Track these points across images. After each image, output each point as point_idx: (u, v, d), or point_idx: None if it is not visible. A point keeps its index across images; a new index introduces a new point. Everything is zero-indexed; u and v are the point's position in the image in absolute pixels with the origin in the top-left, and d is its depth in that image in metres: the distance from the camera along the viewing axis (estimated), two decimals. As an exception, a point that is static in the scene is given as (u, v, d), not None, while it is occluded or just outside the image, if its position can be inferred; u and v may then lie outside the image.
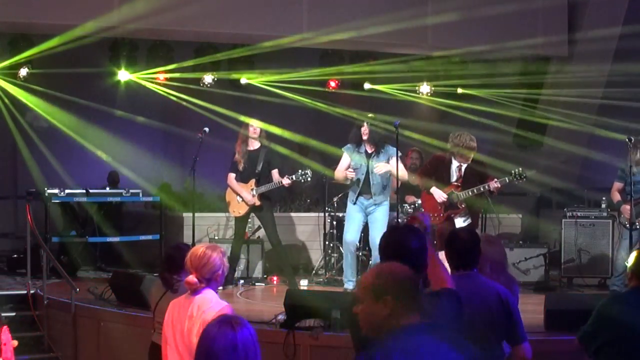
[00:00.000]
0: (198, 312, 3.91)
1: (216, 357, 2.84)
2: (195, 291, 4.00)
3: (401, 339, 2.75)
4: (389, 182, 8.29)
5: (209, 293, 4.00)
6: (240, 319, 2.95)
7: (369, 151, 8.19)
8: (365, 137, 8.15)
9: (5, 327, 3.24)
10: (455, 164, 7.82)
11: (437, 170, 7.91)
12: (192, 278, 3.99)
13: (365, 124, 8.14)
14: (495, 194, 7.90)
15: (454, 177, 7.82)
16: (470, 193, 7.70)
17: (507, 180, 7.70)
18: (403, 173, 8.14)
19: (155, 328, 4.95)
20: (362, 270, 8.69)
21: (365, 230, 8.41)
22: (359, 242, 8.62)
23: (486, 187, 7.66)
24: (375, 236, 8.16)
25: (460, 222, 7.78)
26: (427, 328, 2.80)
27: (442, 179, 7.84)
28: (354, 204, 8.23)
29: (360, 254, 8.90)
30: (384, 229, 8.17)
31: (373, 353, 2.74)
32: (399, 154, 8.09)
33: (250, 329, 2.92)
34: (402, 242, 3.51)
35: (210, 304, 3.92)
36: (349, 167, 8.27)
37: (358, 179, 8.17)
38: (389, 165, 8.05)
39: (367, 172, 8.15)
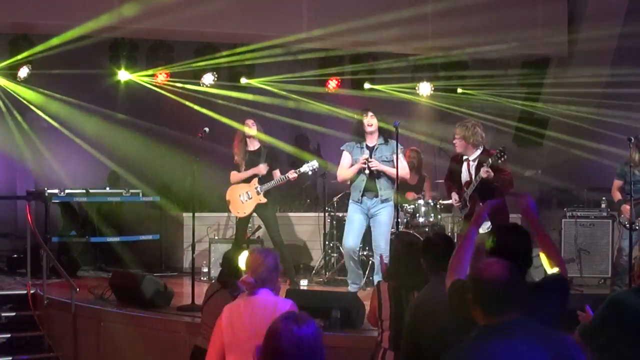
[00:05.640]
0: (261, 312, 3.89)
1: (281, 354, 2.79)
2: (252, 292, 4.02)
3: (482, 341, 2.90)
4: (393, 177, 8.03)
5: (268, 293, 4.01)
6: (305, 316, 2.91)
7: (371, 145, 7.82)
8: (370, 130, 7.78)
9: None
10: (465, 163, 7.27)
11: (452, 174, 7.45)
12: (247, 278, 4.01)
13: (368, 115, 7.78)
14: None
15: (465, 175, 7.27)
16: (473, 186, 7.07)
17: (490, 161, 6.87)
18: (404, 172, 7.82)
19: (202, 331, 5.01)
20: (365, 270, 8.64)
21: (366, 230, 8.05)
22: (360, 243, 8.53)
23: (480, 176, 6.93)
24: (379, 239, 7.81)
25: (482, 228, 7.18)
26: (513, 328, 2.90)
27: (456, 182, 7.37)
28: (359, 203, 7.85)
29: (361, 254, 8.84)
30: (388, 232, 7.88)
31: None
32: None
33: (316, 326, 2.88)
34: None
35: (272, 303, 3.94)
36: (351, 165, 7.89)
37: (363, 175, 7.79)
38: (384, 167, 7.71)
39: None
